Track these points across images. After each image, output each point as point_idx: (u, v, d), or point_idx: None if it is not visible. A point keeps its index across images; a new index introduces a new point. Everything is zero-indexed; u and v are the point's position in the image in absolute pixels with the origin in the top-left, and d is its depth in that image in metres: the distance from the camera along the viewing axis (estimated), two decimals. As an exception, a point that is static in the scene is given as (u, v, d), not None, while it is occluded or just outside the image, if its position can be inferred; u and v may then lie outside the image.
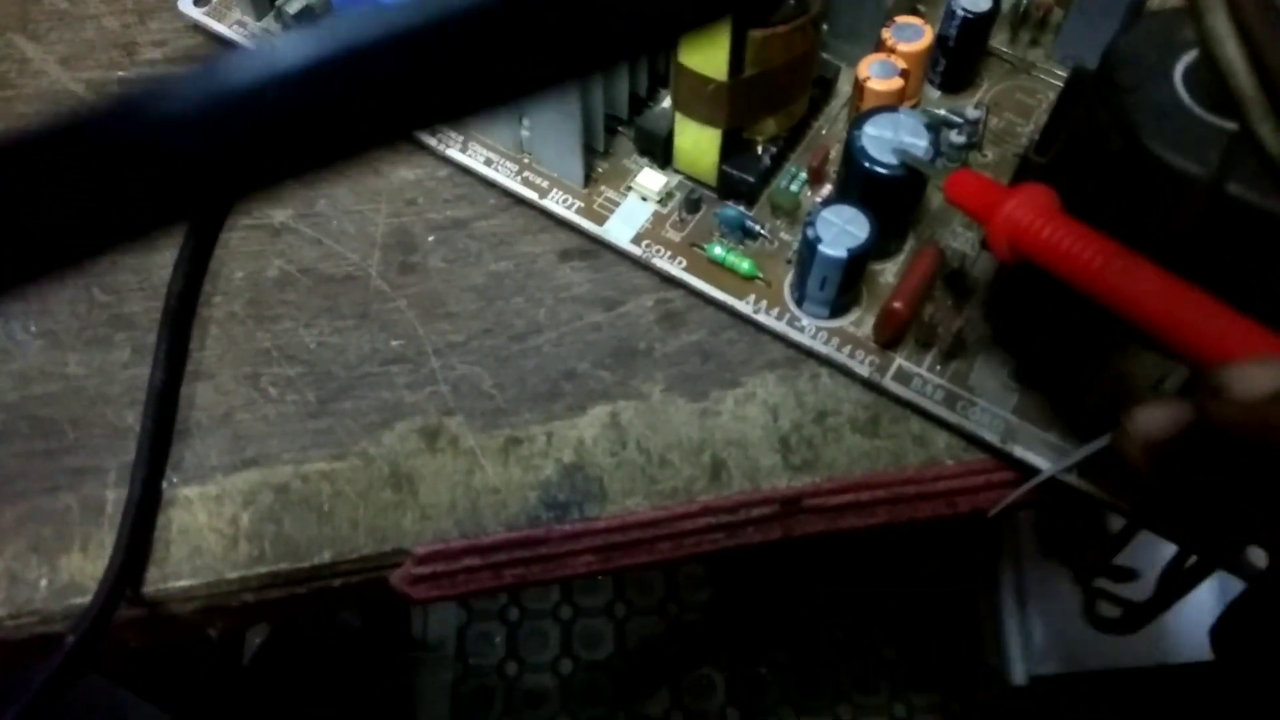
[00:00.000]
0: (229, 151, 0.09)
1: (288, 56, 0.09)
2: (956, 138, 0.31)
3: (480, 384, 0.29)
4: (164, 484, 0.28)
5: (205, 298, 0.31)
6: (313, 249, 0.32)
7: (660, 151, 0.32)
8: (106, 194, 0.09)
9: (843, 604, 0.87)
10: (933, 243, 0.30)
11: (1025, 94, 0.34)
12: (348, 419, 0.29)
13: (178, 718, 0.52)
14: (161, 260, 0.31)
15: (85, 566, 0.27)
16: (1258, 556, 0.23)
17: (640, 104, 0.33)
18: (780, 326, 0.30)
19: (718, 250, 0.30)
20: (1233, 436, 0.18)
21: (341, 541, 0.27)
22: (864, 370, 0.29)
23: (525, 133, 0.32)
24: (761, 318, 0.30)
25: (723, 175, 0.31)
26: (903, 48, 0.31)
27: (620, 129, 0.33)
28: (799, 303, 0.30)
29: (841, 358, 0.29)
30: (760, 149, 0.31)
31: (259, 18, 0.35)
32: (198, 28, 0.36)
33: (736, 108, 0.29)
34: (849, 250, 0.27)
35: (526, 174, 0.32)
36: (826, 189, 0.32)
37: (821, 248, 0.27)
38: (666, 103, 0.32)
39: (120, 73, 0.35)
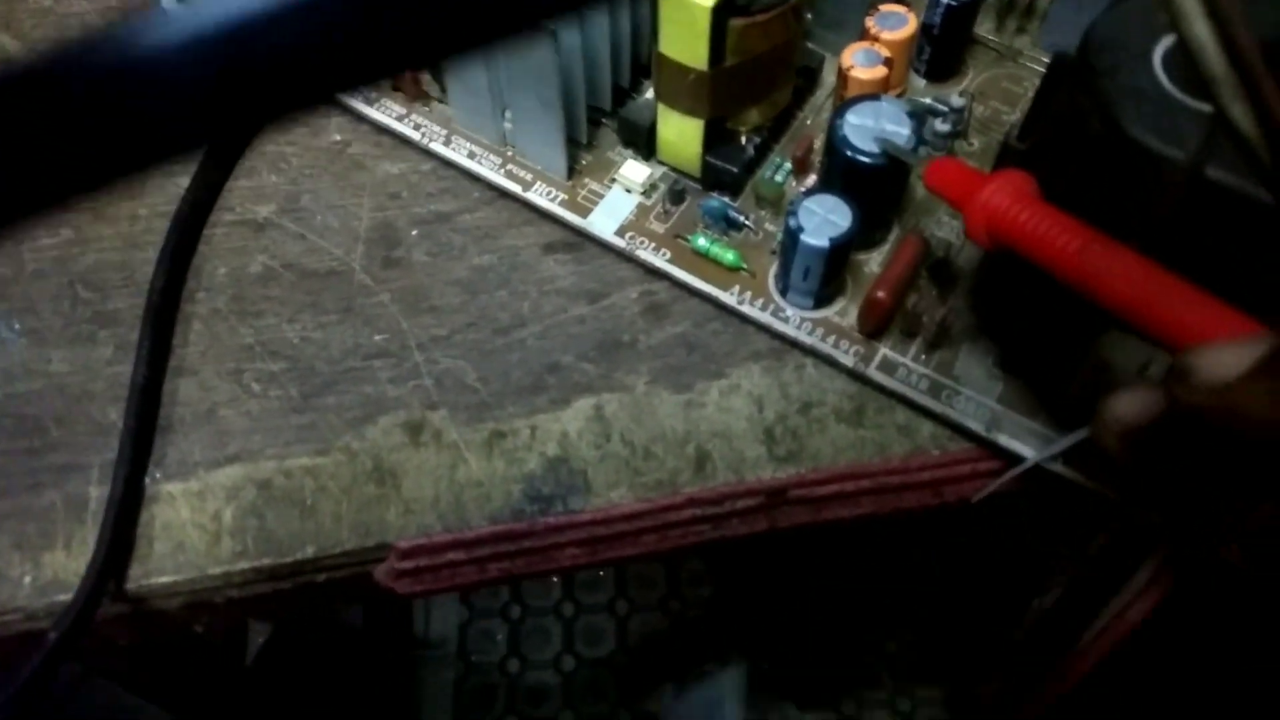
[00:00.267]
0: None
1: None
2: (941, 126, 0.31)
3: (464, 378, 0.29)
4: (147, 480, 0.28)
5: (188, 294, 0.31)
6: (296, 244, 0.32)
7: (644, 143, 0.32)
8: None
9: (844, 599, 0.87)
10: (916, 232, 0.30)
11: (1011, 82, 0.33)
12: (331, 414, 0.29)
13: (180, 718, 0.52)
14: (145, 257, 0.31)
15: (68, 563, 0.27)
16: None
17: (623, 95, 0.33)
18: (765, 317, 0.29)
19: (702, 241, 0.30)
20: (1201, 421, 0.18)
21: (325, 536, 0.27)
22: (848, 360, 0.29)
23: (508, 125, 0.32)
24: (746, 309, 0.30)
25: (706, 166, 0.31)
26: (886, 36, 0.31)
27: (604, 120, 0.33)
28: (783, 293, 0.30)
29: (826, 348, 0.29)
30: (744, 139, 0.31)
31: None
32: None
33: (718, 97, 0.29)
34: (831, 240, 0.27)
35: (510, 167, 0.32)
36: (811, 179, 0.32)
37: (804, 237, 0.27)
38: (650, 93, 0.32)
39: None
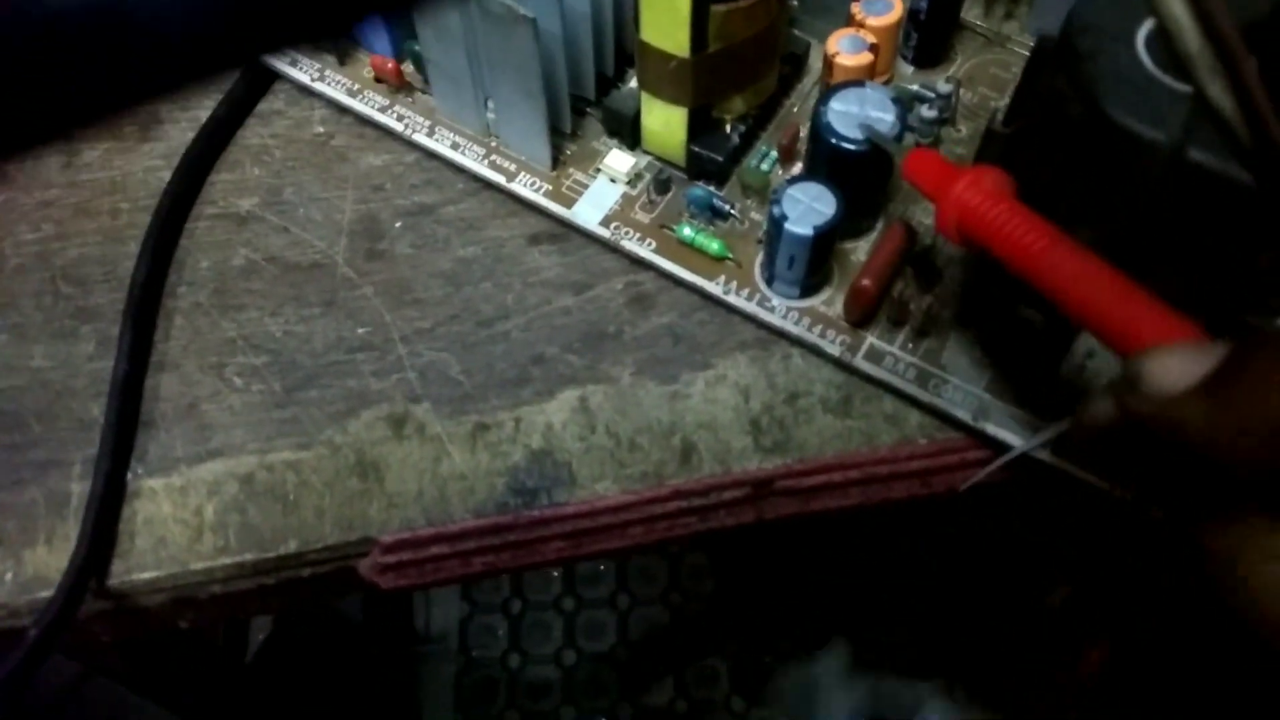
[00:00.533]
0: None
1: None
2: (928, 112, 0.31)
3: (448, 370, 0.29)
4: (128, 476, 0.28)
5: (170, 288, 0.31)
6: (279, 237, 0.31)
7: (628, 132, 0.31)
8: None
9: (844, 592, 0.87)
10: (902, 220, 0.29)
11: (999, 68, 0.33)
12: (313, 408, 0.29)
13: (183, 715, 0.52)
14: (127, 251, 0.31)
15: (50, 560, 0.27)
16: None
17: (608, 84, 0.32)
18: (751, 307, 0.29)
19: (687, 231, 0.30)
20: (1147, 430, 0.18)
21: (307, 531, 0.27)
22: (835, 350, 0.28)
23: (491, 116, 0.31)
24: (732, 299, 0.29)
25: (691, 155, 0.31)
26: (872, 22, 0.31)
27: (588, 110, 0.32)
28: (769, 283, 0.29)
29: (812, 338, 0.29)
30: (729, 128, 0.31)
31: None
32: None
33: (701, 85, 0.29)
34: (815, 228, 0.27)
35: (494, 158, 0.32)
36: (798, 167, 0.31)
37: (788, 226, 0.27)
38: (634, 82, 0.31)
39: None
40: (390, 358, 0.29)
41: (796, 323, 0.29)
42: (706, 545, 0.88)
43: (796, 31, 0.33)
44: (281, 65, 0.34)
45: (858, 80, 0.29)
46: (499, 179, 0.31)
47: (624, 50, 0.32)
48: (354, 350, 0.29)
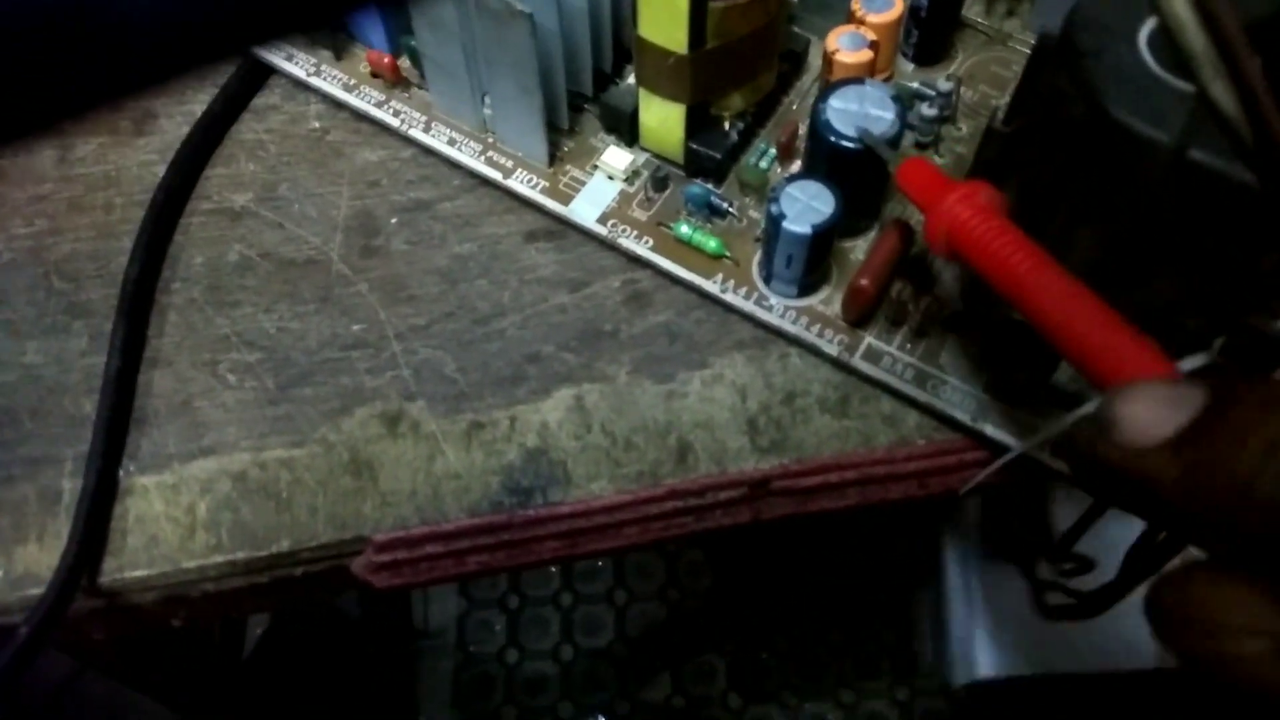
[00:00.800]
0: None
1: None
2: (928, 111, 0.30)
3: (442, 368, 0.29)
4: (120, 473, 0.27)
5: (164, 284, 0.30)
6: (274, 233, 0.31)
7: (626, 129, 0.31)
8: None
9: (843, 589, 0.87)
10: (901, 219, 0.29)
11: (1001, 66, 0.33)
12: (307, 405, 0.28)
13: (180, 712, 0.52)
14: (120, 246, 0.31)
15: (41, 557, 0.27)
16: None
17: (605, 80, 0.32)
18: (748, 306, 0.29)
19: (685, 229, 0.30)
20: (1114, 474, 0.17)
21: (300, 529, 0.27)
22: (833, 349, 0.28)
23: (488, 111, 0.31)
24: (729, 297, 0.29)
25: (689, 152, 0.30)
26: (872, 19, 0.30)
27: (586, 106, 0.32)
28: (767, 281, 0.29)
29: (810, 337, 0.28)
30: (728, 125, 0.31)
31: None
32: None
33: (699, 82, 0.28)
34: (813, 226, 0.27)
35: (490, 154, 0.32)
36: (796, 165, 0.31)
37: (785, 224, 0.27)
38: (632, 79, 0.31)
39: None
40: (385, 355, 0.29)
41: (794, 322, 0.29)
42: (704, 542, 0.88)
43: (796, 28, 0.33)
44: (277, 60, 0.34)
45: (857, 78, 0.28)
46: (495, 175, 0.31)
47: (622, 46, 0.32)
48: (348, 347, 0.29)
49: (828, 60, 0.30)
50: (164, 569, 0.27)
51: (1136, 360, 0.19)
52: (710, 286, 0.29)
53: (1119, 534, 0.24)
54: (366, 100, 0.33)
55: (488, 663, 0.86)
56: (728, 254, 0.29)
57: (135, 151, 0.33)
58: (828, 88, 0.28)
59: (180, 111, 0.33)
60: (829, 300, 0.29)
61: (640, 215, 0.30)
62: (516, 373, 0.29)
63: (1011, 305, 0.21)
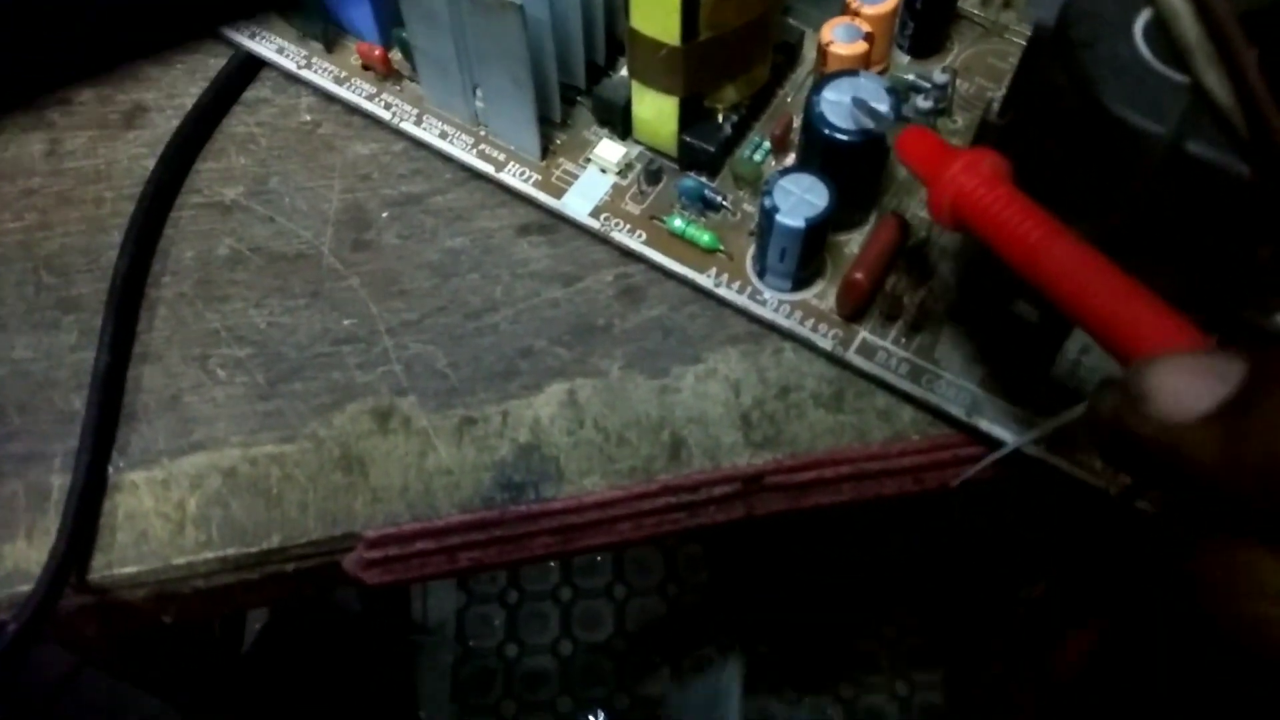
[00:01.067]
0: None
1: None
2: (923, 103, 0.30)
3: (434, 363, 0.29)
4: (109, 469, 0.27)
5: (153, 278, 0.30)
6: (264, 227, 0.31)
7: (619, 121, 0.31)
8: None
9: (842, 583, 0.87)
10: (896, 212, 0.29)
11: (997, 58, 0.33)
12: (298, 400, 0.28)
13: (179, 707, 0.51)
14: (110, 240, 0.30)
15: (30, 553, 0.26)
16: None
17: (598, 72, 0.32)
18: (742, 300, 0.29)
19: (678, 223, 0.30)
20: (1142, 449, 0.16)
21: (291, 525, 0.27)
22: (827, 344, 0.28)
23: (479, 104, 0.31)
24: (723, 291, 0.29)
25: (683, 145, 0.30)
26: (867, 10, 0.30)
27: (578, 99, 0.32)
28: (761, 275, 0.29)
29: (804, 331, 0.28)
30: (721, 117, 0.30)
31: None
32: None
33: (693, 74, 0.28)
34: (807, 220, 0.26)
35: (482, 147, 0.31)
36: (791, 158, 0.31)
37: (779, 217, 0.26)
38: (625, 71, 0.31)
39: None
40: (376, 350, 0.29)
41: (788, 316, 0.28)
42: (703, 537, 0.88)
43: (790, 20, 0.33)
44: (268, 52, 0.33)
45: (852, 70, 0.28)
46: (488, 168, 0.31)
47: (615, 38, 0.32)
48: (339, 342, 0.29)
49: (822, 52, 0.30)
50: (154, 565, 0.26)
51: (1164, 329, 0.17)
52: (704, 280, 0.29)
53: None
54: (358, 93, 0.32)
55: (487, 657, 0.86)
56: (721, 248, 0.29)
57: (125, 145, 0.33)
58: (822, 80, 0.28)
59: (170, 105, 0.33)
60: (823, 294, 0.29)
61: (633, 209, 0.30)
62: (509, 368, 0.29)
63: (1023, 277, 0.20)
